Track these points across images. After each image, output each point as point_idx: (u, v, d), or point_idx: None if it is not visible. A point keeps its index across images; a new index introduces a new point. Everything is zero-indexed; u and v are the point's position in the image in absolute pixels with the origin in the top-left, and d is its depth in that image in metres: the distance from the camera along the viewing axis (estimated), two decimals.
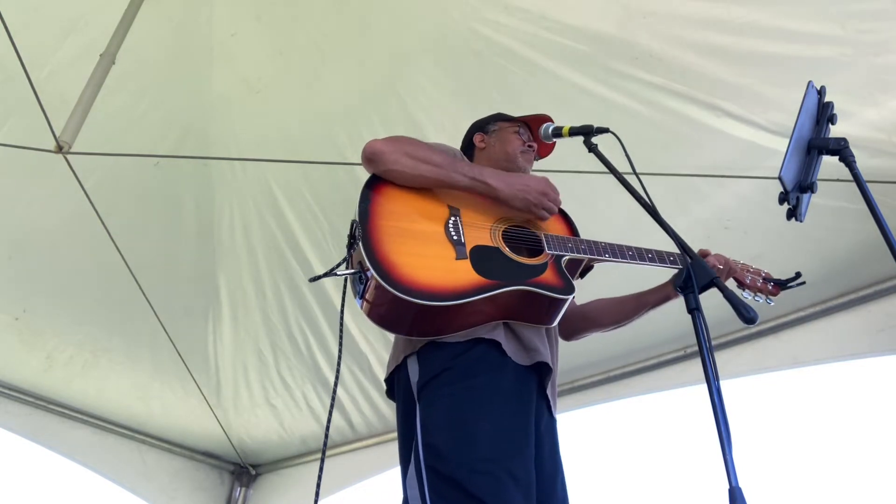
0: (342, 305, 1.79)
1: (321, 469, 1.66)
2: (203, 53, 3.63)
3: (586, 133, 1.94)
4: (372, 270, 1.60)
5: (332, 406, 1.76)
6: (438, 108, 3.48)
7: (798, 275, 2.14)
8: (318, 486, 1.68)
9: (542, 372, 1.76)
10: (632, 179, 1.75)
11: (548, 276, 1.77)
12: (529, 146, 2.20)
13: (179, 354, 4.55)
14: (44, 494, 5.02)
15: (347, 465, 5.05)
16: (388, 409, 4.85)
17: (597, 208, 3.43)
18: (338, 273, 1.70)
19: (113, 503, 5.11)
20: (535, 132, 2.24)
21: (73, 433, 4.89)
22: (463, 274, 1.67)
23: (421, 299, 1.58)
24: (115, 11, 3.10)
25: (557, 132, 2.06)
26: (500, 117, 2.31)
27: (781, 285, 2.17)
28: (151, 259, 4.09)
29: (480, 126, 2.30)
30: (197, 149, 3.84)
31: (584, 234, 2.03)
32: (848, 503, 3.56)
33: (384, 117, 3.63)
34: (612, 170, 1.79)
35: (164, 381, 4.84)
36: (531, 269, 1.77)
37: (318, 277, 1.73)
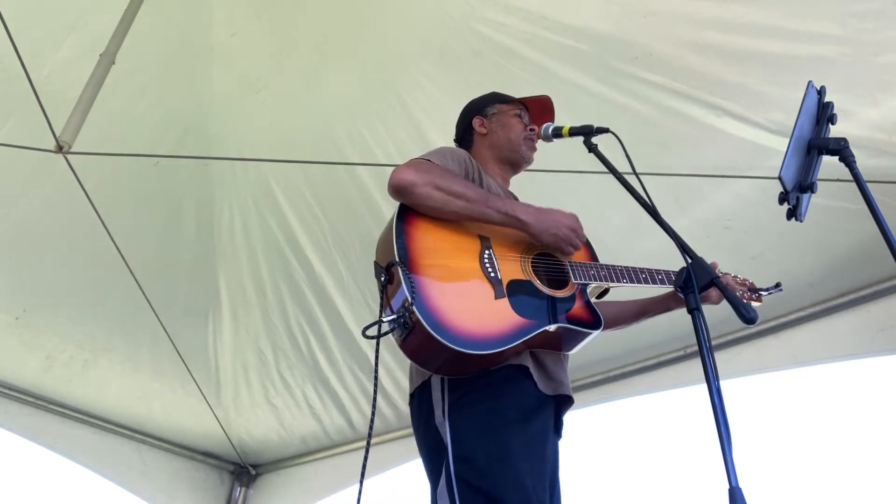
0: (376, 353, 1.77)
1: (366, 458, 1.66)
2: (203, 53, 3.63)
3: (586, 133, 1.94)
4: (418, 316, 1.59)
5: (373, 412, 1.77)
6: (438, 108, 3.48)
7: (777, 284, 2.26)
8: (363, 474, 1.70)
9: (561, 401, 1.82)
10: (632, 179, 1.75)
11: (578, 309, 1.82)
12: (531, 129, 2.17)
13: (179, 354, 4.55)
14: (44, 494, 5.02)
15: (347, 465, 5.05)
16: (389, 409, 4.85)
17: (597, 208, 3.43)
18: (384, 320, 1.66)
19: (113, 503, 5.11)
20: (534, 114, 2.23)
21: (73, 433, 4.89)
22: (503, 316, 1.69)
23: (467, 349, 1.60)
24: (115, 11, 3.10)
25: (557, 132, 2.06)
26: (497, 98, 2.26)
27: (763, 293, 2.27)
28: (151, 259, 4.10)
29: (478, 108, 2.24)
30: (197, 149, 3.84)
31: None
32: (848, 503, 3.57)
33: (384, 117, 3.63)
34: (612, 170, 1.80)
35: (164, 381, 4.84)
36: (562, 302, 1.81)
37: (373, 336, 1.66)
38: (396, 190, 1.77)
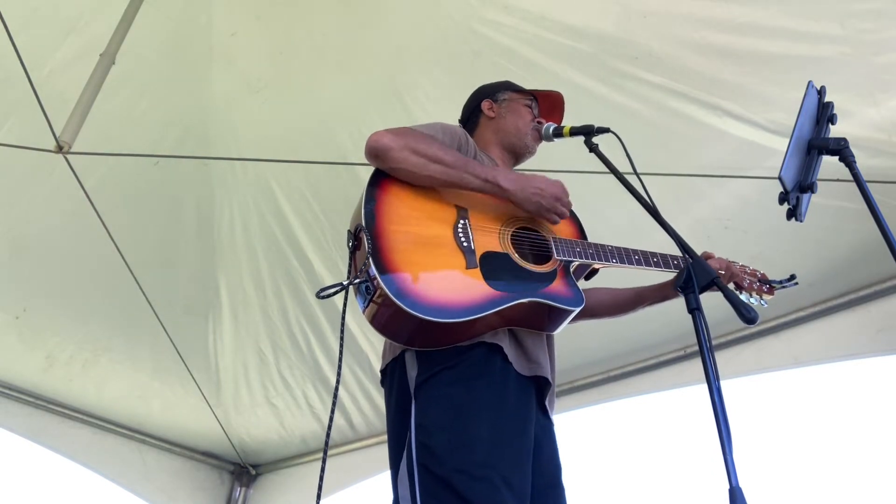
0: (343, 311, 1.73)
1: (322, 470, 1.62)
2: (203, 53, 3.63)
3: (587, 133, 1.93)
4: (380, 281, 1.54)
5: (332, 409, 1.73)
6: (439, 108, 3.48)
7: (792, 276, 2.17)
8: (320, 486, 1.66)
9: (541, 384, 1.75)
10: (632, 179, 1.75)
11: (557, 285, 1.74)
12: (539, 122, 2.14)
13: (179, 354, 4.55)
14: (44, 494, 5.02)
15: (347, 465, 5.05)
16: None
17: (597, 208, 3.43)
18: (344, 283, 1.62)
19: (113, 503, 5.11)
20: (544, 109, 2.21)
21: (73, 433, 4.89)
22: (473, 286, 1.63)
23: (431, 316, 1.53)
24: (115, 11, 3.10)
25: (558, 132, 2.05)
26: (510, 86, 2.24)
27: (776, 286, 2.19)
28: (151, 259, 4.10)
29: (489, 92, 2.22)
30: (197, 149, 3.84)
31: (573, 210, 2.02)
32: (848, 503, 3.57)
33: (384, 117, 3.63)
34: (612, 170, 1.79)
35: (164, 381, 4.84)
36: (540, 277, 1.75)
37: (328, 294, 1.61)
38: (372, 153, 1.73)
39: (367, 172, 1.80)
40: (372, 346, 4.48)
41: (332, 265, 4.22)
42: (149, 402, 5.00)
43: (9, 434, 4.64)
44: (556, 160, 3.03)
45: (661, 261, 1.95)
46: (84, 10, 3.28)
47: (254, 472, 5.71)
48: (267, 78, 3.69)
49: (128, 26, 3.08)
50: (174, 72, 3.67)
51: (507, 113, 2.16)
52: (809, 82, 1.76)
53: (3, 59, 3.01)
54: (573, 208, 2.03)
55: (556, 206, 1.80)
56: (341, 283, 1.62)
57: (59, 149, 2.82)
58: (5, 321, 4.23)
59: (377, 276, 1.55)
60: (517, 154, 2.16)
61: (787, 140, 1.67)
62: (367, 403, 4.90)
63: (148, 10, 3.17)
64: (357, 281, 1.62)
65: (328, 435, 1.68)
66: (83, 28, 3.28)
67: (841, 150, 1.72)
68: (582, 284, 1.91)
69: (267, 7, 3.51)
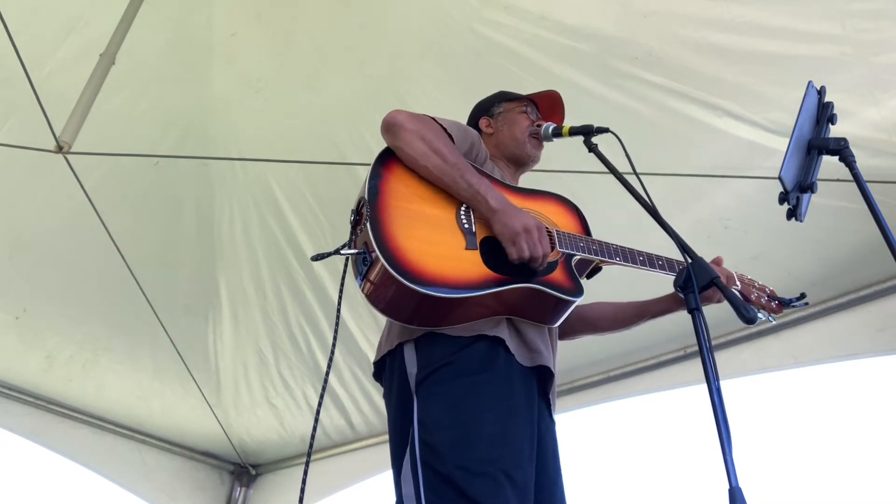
0: (341, 286, 1.71)
1: (307, 465, 1.61)
2: (203, 53, 3.64)
3: (586, 133, 1.93)
4: (378, 252, 1.53)
5: (322, 395, 1.72)
6: (439, 108, 3.45)
7: (803, 295, 2.12)
8: (304, 481, 1.64)
9: (544, 375, 1.74)
10: (632, 179, 1.74)
11: (557, 275, 1.73)
12: (539, 124, 2.12)
13: (179, 354, 4.55)
14: (44, 494, 5.02)
15: (348, 464, 5.05)
16: None
17: (597, 208, 3.42)
18: (342, 252, 1.62)
19: (113, 503, 5.11)
20: (543, 109, 2.20)
21: (73, 433, 4.90)
22: (471, 266, 1.62)
23: (426, 289, 1.53)
24: (115, 11, 3.11)
25: (557, 132, 2.05)
26: (503, 97, 2.22)
27: (785, 304, 2.14)
28: (151, 259, 4.10)
29: (485, 109, 2.22)
30: (197, 149, 3.85)
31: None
32: (848, 503, 3.57)
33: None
34: (612, 170, 1.79)
35: (164, 381, 4.84)
36: None
37: (323, 256, 1.62)
38: (385, 126, 1.79)
39: (366, 172, 1.80)
40: (372, 346, 4.47)
41: (332, 265, 4.20)
42: (149, 402, 5.00)
43: (9, 434, 4.65)
44: (556, 160, 3.03)
45: (667, 264, 1.94)
46: (84, 10, 3.28)
47: (254, 472, 5.71)
48: (267, 78, 3.70)
49: (128, 26, 3.09)
50: (174, 72, 3.67)
51: (504, 125, 2.15)
52: (809, 82, 1.75)
53: (3, 59, 3.01)
54: (577, 205, 2.02)
55: (520, 237, 1.63)
56: (338, 251, 1.62)
57: (59, 149, 2.83)
58: (5, 321, 4.24)
59: (375, 248, 1.54)
60: (519, 163, 2.15)
61: (787, 140, 1.67)
62: (366, 403, 4.90)
63: (148, 10, 3.18)
64: (354, 251, 1.62)
65: (318, 410, 1.66)
66: (83, 28, 3.29)
67: (841, 150, 1.72)
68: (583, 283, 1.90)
69: (267, 7, 3.51)
